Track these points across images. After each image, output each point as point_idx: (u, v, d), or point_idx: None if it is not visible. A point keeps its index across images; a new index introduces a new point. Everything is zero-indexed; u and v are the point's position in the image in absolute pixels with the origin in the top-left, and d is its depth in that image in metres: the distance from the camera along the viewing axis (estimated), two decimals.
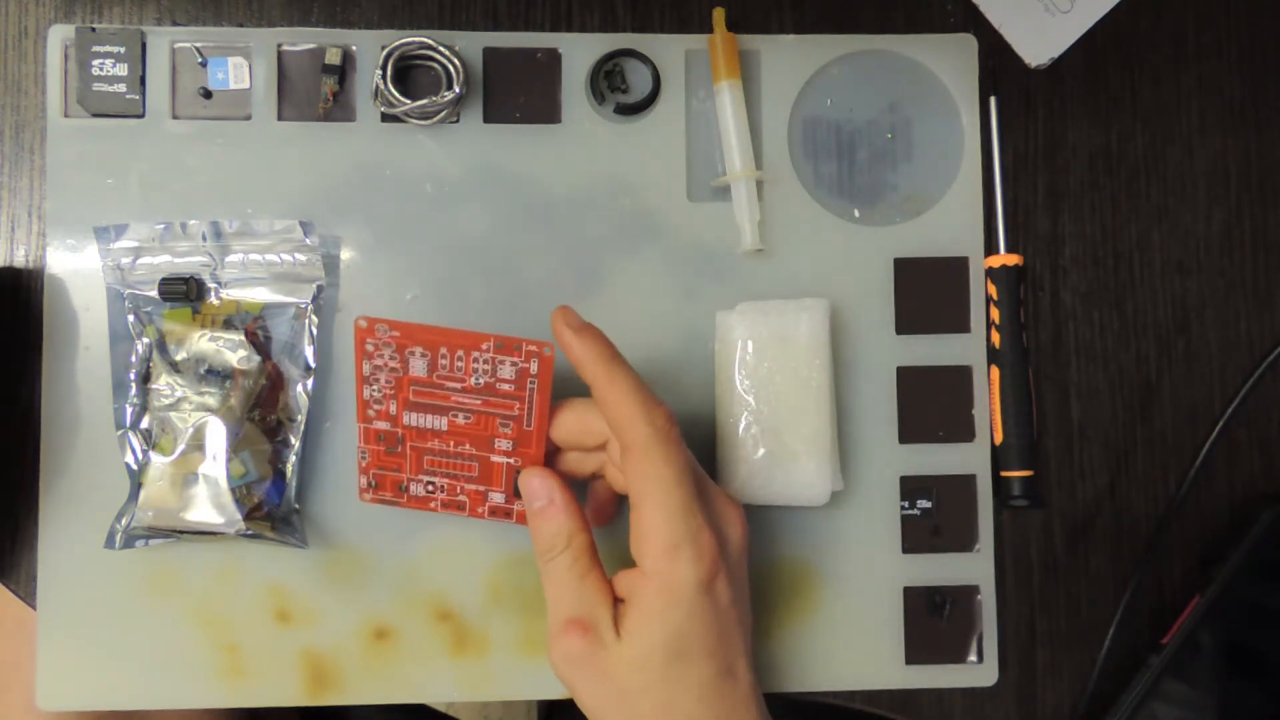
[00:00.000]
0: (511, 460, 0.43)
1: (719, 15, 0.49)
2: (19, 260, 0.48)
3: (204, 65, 0.48)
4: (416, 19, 0.49)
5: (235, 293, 0.46)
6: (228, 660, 0.47)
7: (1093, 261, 0.51)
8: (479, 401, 0.42)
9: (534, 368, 0.41)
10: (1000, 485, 0.49)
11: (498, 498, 0.45)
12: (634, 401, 0.40)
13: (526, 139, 0.49)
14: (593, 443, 0.43)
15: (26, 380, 0.47)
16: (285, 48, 0.48)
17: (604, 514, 0.47)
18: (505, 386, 0.41)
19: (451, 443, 0.43)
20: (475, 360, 0.41)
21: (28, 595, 0.47)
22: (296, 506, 0.47)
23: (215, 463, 0.45)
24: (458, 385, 0.41)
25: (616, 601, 0.41)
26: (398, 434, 0.43)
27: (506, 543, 0.48)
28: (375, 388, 0.42)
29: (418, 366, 0.41)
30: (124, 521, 0.45)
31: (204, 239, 0.46)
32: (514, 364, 0.41)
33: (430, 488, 0.45)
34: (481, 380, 0.41)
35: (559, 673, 0.41)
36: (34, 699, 0.46)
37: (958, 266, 0.50)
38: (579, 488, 0.45)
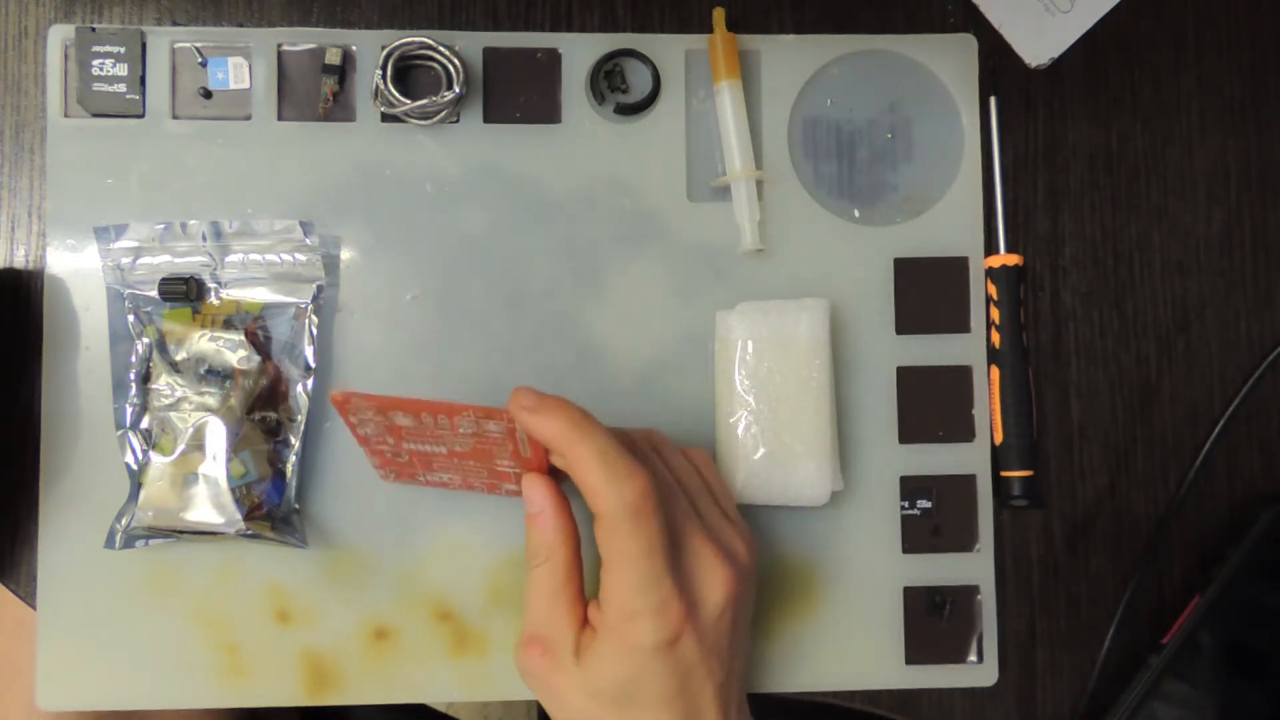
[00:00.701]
0: (514, 469, 0.44)
1: (719, 15, 0.49)
2: (19, 260, 0.48)
3: (204, 65, 0.48)
4: (416, 19, 0.49)
5: (235, 293, 0.46)
6: (228, 660, 0.47)
7: (1093, 261, 0.51)
8: (472, 440, 0.42)
9: (520, 429, 0.40)
10: (1000, 485, 0.49)
11: (509, 486, 0.45)
12: (600, 474, 0.39)
13: (526, 139, 0.49)
14: None
15: (26, 380, 0.47)
16: (285, 48, 0.48)
17: None
18: (495, 435, 0.41)
19: (455, 460, 0.44)
20: (460, 423, 0.41)
21: (28, 595, 0.47)
22: (296, 506, 0.47)
23: (215, 463, 0.45)
24: (448, 432, 0.41)
25: (585, 625, 0.42)
26: (401, 454, 0.44)
27: (506, 543, 0.48)
28: (370, 429, 0.42)
29: (404, 421, 0.41)
30: (124, 521, 0.45)
31: (204, 239, 0.46)
32: (497, 424, 0.40)
33: (446, 478, 0.46)
34: (470, 431, 0.41)
35: (522, 679, 0.43)
36: (34, 699, 0.46)
37: (958, 266, 0.50)
38: None
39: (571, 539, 0.42)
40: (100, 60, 0.47)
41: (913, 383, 0.49)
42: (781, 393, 0.47)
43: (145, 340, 0.46)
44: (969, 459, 0.49)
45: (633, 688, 0.40)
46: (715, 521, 0.43)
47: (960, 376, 0.49)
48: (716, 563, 0.41)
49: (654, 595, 0.40)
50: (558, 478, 0.43)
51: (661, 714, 0.40)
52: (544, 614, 0.42)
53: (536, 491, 0.43)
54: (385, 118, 0.48)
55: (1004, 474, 0.49)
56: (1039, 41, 0.51)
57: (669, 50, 0.49)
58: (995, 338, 0.49)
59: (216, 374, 0.46)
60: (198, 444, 0.45)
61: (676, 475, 0.43)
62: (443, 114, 0.47)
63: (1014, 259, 0.49)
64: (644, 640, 0.40)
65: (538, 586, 0.42)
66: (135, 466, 0.45)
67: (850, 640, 0.48)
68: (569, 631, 0.41)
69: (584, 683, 0.41)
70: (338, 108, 0.48)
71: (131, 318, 0.46)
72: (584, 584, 0.42)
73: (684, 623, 0.40)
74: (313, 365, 0.47)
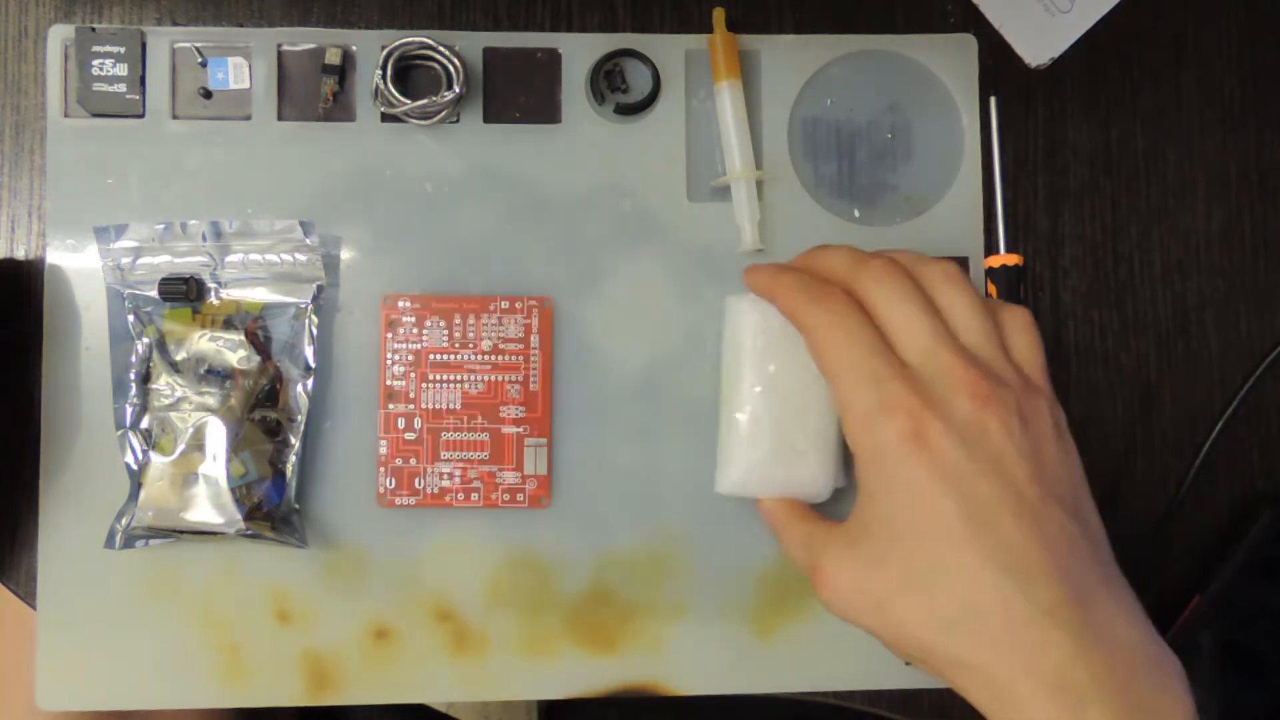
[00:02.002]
0: (520, 430, 0.46)
1: (719, 15, 0.49)
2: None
3: (204, 65, 0.48)
4: (416, 19, 0.49)
5: (235, 293, 0.46)
6: (228, 660, 0.47)
7: (1093, 261, 0.51)
8: (489, 367, 0.46)
9: (535, 323, 0.47)
10: None
11: (509, 478, 0.46)
12: (798, 292, 0.40)
13: (526, 139, 0.49)
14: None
15: (27, 380, 0.47)
16: (285, 48, 0.48)
17: None
18: (512, 346, 0.47)
19: (465, 418, 0.46)
20: (485, 324, 0.47)
21: (28, 595, 0.47)
22: (296, 506, 0.47)
23: (215, 463, 0.45)
24: (471, 352, 0.46)
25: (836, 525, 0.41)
26: (415, 415, 0.46)
27: (507, 543, 0.48)
28: (397, 366, 0.46)
29: (436, 338, 0.46)
30: (124, 521, 0.45)
31: (204, 239, 0.46)
32: (519, 321, 0.47)
33: (444, 477, 0.46)
34: (491, 343, 0.47)
35: (844, 617, 0.39)
36: (34, 699, 0.46)
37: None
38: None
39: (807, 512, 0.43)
40: (100, 60, 0.47)
41: None
42: (789, 387, 0.46)
43: (145, 340, 0.46)
44: None
45: (906, 515, 0.37)
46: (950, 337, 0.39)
47: None
48: (952, 366, 0.38)
49: (874, 386, 0.37)
50: None
51: (967, 553, 0.36)
52: (792, 544, 0.42)
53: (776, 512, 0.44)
54: (385, 118, 0.48)
55: None
56: (1039, 41, 0.51)
57: (669, 50, 0.49)
58: None
59: (216, 374, 0.46)
60: (198, 444, 0.45)
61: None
62: (443, 114, 0.47)
63: (1014, 259, 0.49)
64: (885, 436, 0.37)
65: (786, 537, 0.43)
66: (135, 466, 0.45)
67: (850, 640, 0.48)
68: (813, 526, 0.41)
69: (862, 555, 0.38)
70: (338, 108, 0.48)
71: (131, 318, 0.46)
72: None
73: (921, 410, 0.36)
74: (313, 365, 0.47)
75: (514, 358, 0.47)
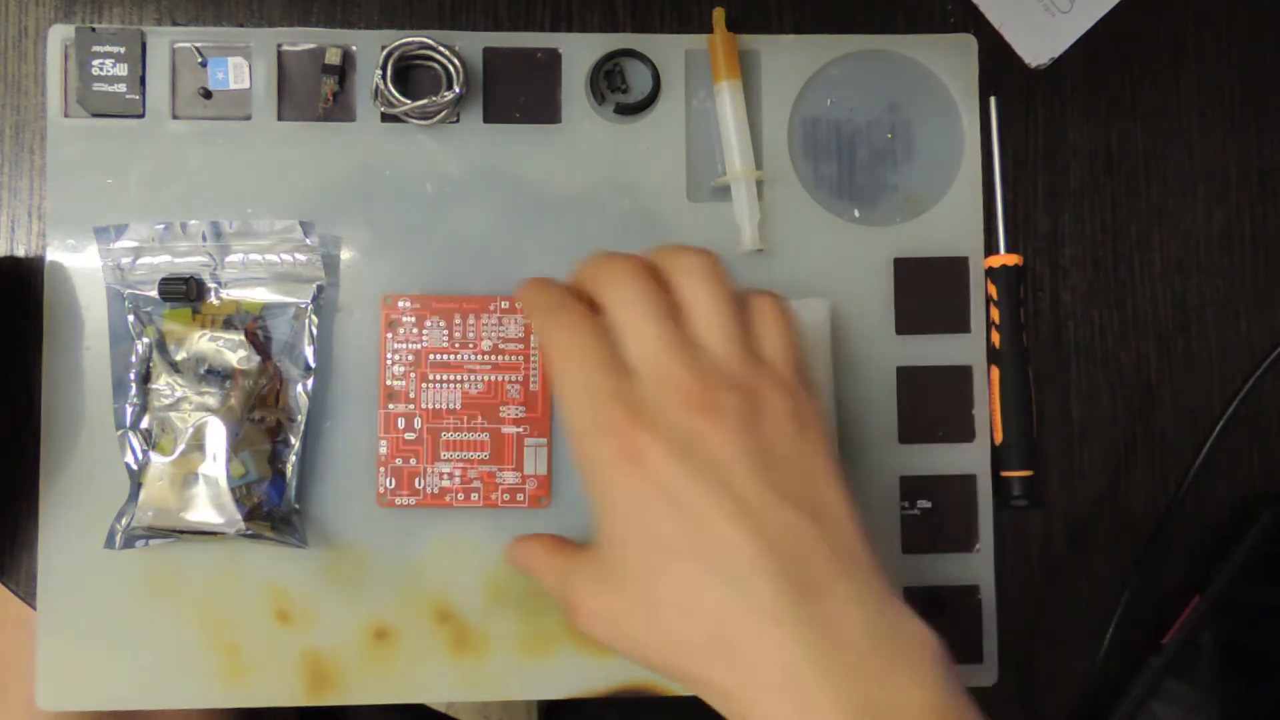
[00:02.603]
0: (520, 430, 0.46)
1: (719, 15, 0.49)
2: None
3: (204, 65, 0.48)
4: (416, 19, 0.49)
5: (235, 293, 0.46)
6: (228, 660, 0.47)
7: (1093, 261, 0.51)
8: (490, 367, 0.47)
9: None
10: (1000, 485, 0.49)
11: (509, 478, 0.46)
12: (526, 289, 0.40)
13: (526, 139, 0.49)
14: None
15: (27, 380, 0.47)
16: (285, 48, 0.48)
17: None
18: (512, 346, 0.47)
19: (465, 418, 0.46)
20: (485, 324, 0.47)
21: (28, 595, 0.47)
22: (296, 506, 0.47)
23: (215, 463, 0.45)
24: (471, 352, 0.47)
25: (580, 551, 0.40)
26: (414, 415, 0.46)
27: (507, 543, 0.47)
28: (397, 366, 0.47)
29: (436, 336, 0.47)
30: (124, 521, 0.45)
31: (204, 239, 0.46)
32: (519, 321, 0.47)
33: (445, 477, 0.47)
34: (491, 343, 0.47)
35: (595, 639, 0.39)
36: (34, 699, 0.46)
37: (958, 266, 0.50)
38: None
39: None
40: (100, 60, 0.47)
41: (913, 383, 0.49)
42: None
43: (145, 340, 0.46)
44: (969, 459, 0.49)
45: (631, 535, 0.36)
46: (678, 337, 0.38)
47: (960, 376, 0.49)
48: (673, 375, 0.36)
49: (591, 405, 0.37)
50: None
51: (687, 565, 0.35)
52: (556, 575, 0.40)
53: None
54: (385, 118, 0.48)
55: (1004, 474, 0.49)
56: (1039, 41, 0.51)
57: (669, 50, 0.49)
58: (995, 338, 0.49)
59: (216, 374, 0.46)
60: (198, 444, 0.45)
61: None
62: (443, 114, 0.47)
63: (1014, 259, 0.49)
64: (601, 456, 0.36)
65: (542, 576, 0.41)
66: (135, 466, 0.45)
67: None
68: (571, 558, 0.39)
69: (605, 581, 0.37)
70: (338, 108, 0.48)
71: (131, 318, 0.46)
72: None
73: (632, 427, 0.35)
74: (313, 365, 0.47)
75: (514, 358, 0.47)
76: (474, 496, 0.47)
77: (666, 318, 0.38)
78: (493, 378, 0.47)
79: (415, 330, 0.47)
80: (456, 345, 0.47)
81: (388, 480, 0.47)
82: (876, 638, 0.35)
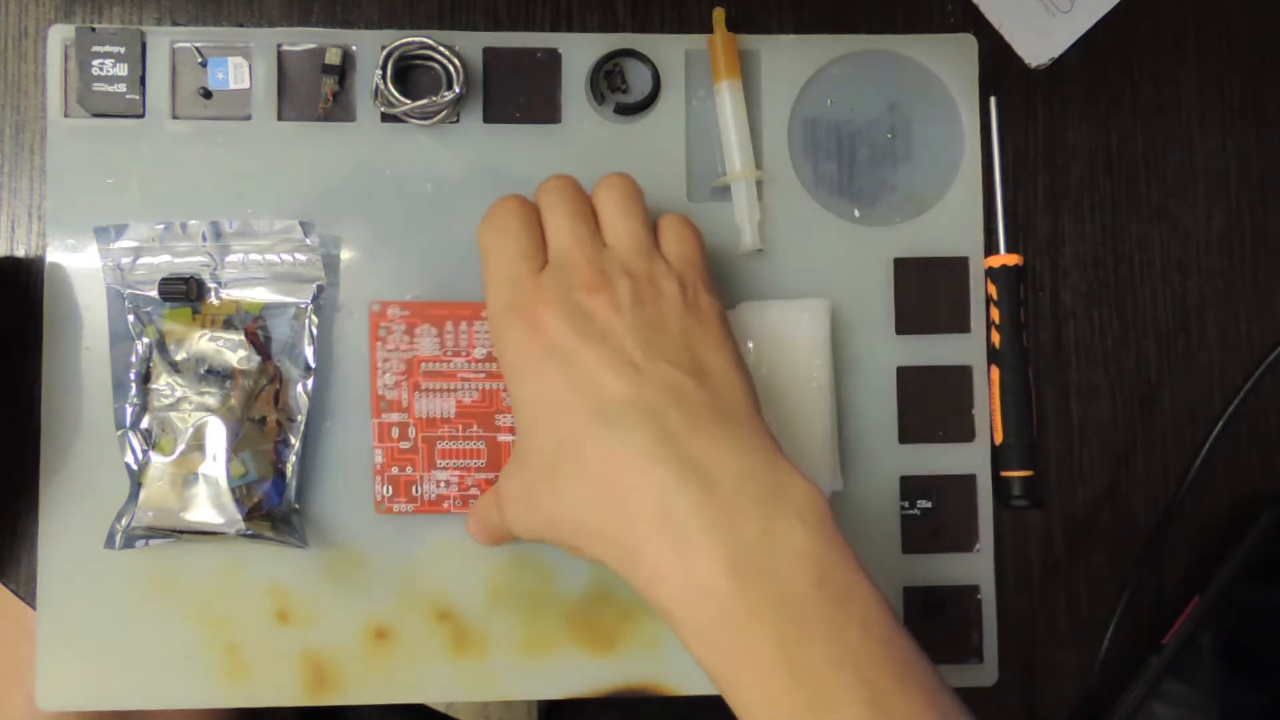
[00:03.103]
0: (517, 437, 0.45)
1: (719, 15, 0.49)
2: None
3: (204, 65, 0.48)
4: (416, 19, 0.49)
5: (235, 293, 0.46)
6: (228, 660, 0.47)
7: (1093, 261, 0.51)
8: (484, 376, 0.46)
9: None
10: (1000, 485, 0.49)
11: None
12: (485, 218, 0.43)
13: (526, 139, 0.49)
14: None
15: (26, 380, 0.47)
16: (285, 48, 0.48)
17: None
18: None
19: (460, 426, 0.46)
20: (478, 331, 0.46)
21: (28, 595, 0.47)
22: (296, 506, 0.47)
23: (215, 463, 0.45)
24: (464, 360, 0.46)
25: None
26: (409, 425, 0.46)
27: (506, 543, 0.48)
28: (388, 375, 0.46)
29: (428, 345, 0.46)
30: (124, 521, 0.45)
31: (204, 239, 0.46)
32: None
33: (441, 484, 0.46)
34: (484, 350, 0.46)
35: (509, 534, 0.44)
36: (34, 699, 0.46)
37: (958, 266, 0.50)
38: None
39: None
40: (100, 60, 0.47)
41: (913, 383, 0.49)
42: (781, 394, 0.46)
43: (145, 340, 0.46)
44: (969, 459, 0.49)
45: (530, 400, 0.40)
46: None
47: (960, 376, 0.49)
48: (575, 262, 0.41)
49: (508, 288, 0.41)
50: None
51: (574, 418, 0.39)
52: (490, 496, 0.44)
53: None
54: (385, 118, 0.48)
55: (1004, 474, 0.49)
56: (1039, 41, 0.51)
57: (669, 50, 0.49)
58: (995, 338, 0.49)
59: (216, 374, 0.46)
60: (198, 444, 0.45)
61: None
62: (443, 114, 0.47)
63: (1014, 259, 0.49)
64: (510, 331, 0.41)
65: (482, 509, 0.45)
66: (135, 466, 0.45)
67: None
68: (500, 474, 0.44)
69: (519, 463, 0.41)
70: (338, 108, 0.48)
71: (131, 318, 0.46)
72: None
73: (538, 304, 0.40)
74: (313, 365, 0.47)
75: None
76: (472, 503, 0.46)
77: (580, 220, 0.42)
78: (487, 386, 0.46)
79: (406, 339, 0.46)
80: (449, 353, 0.46)
81: (384, 488, 0.46)
82: (752, 483, 0.37)
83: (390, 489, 0.46)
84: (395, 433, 0.46)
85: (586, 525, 0.39)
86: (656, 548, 0.37)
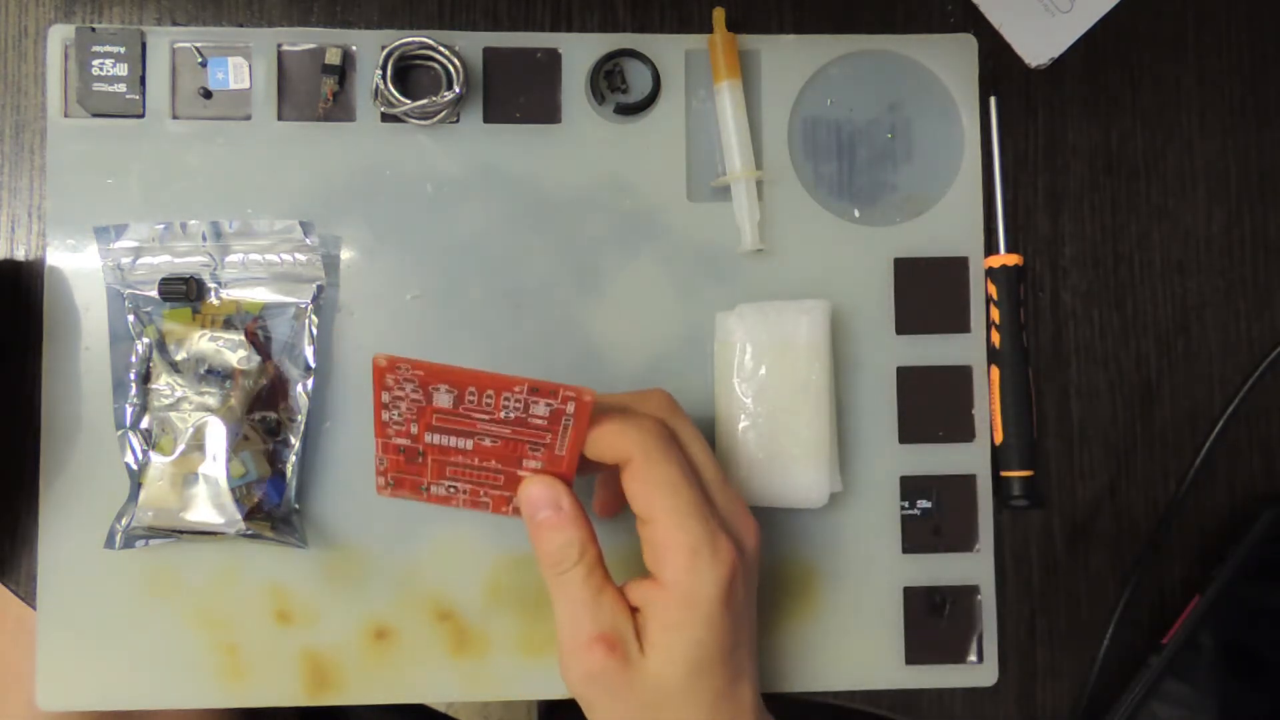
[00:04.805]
0: (536, 466, 0.41)
1: (719, 15, 0.49)
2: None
3: (204, 65, 0.48)
4: (416, 19, 0.49)
5: (235, 293, 0.46)
6: (228, 660, 0.47)
7: (1093, 261, 0.51)
8: (509, 430, 0.39)
9: (570, 409, 0.38)
10: (1000, 485, 0.49)
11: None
12: (619, 425, 0.39)
13: (526, 139, 0.49)
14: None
15: (27, 380, 0.47)
16: (285, 48, 0.48)
17: (610, 507, 0.47)
18: (538, 421, 0.39)
19: (476, 459, 0.41)
20: (506, 400, 0.38)
21: (28, 595, 0.47)
22: (296, 506, 0.47)
23: (215, 463, 0.45)
24: (486, 417, 0.39)
25: (635, 612, 0.40)
26: (418, 449, 0.41)
27: (506, 543, 0.48)
28: (395, 413, 0.39)
29: (443, 400, 0.38)
30: (124, 521, 0.45)
31: (204, 239, 0.46)
32: (549, 405, 0.38)
33: (452, 490, 0.43)
34: (513, 415, 0.39)
35: (579, 690, 0.40)
36: (34, 699, 0.46)
37: (958, 266, 0.50)
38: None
39: (594, 533, 0.41)
40: (100, 60, 0.47)
41: (913, 383, 0.49)
42: (780, 396, 0.46)
43: (145, 340, 0.46)
44: (969, 459, 0.49)
45: (699, 653, 0.39)
46: (722, 477, 0.43)
47: (960, 376, 0.49)
48: (741, 507, 0.42)
49: (706, 525, 0.39)
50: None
51: (721, 676, 0.40)
52: (595, 612, 0.40)
53: (543, 491, 0.40)
54: (385, 118, 0.48)
55: (1004, 474, 0.49)
56: (1039, 41, 0.51)
57: (669, 50, 0.49)
58: (995, 338, 0.49)
59: (216, 374, 0.46)
60: (198, 444, 0.45)
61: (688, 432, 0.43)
62: (443, 114, 0.47)
63: (1014, 259, 0.49)
64: (707, 588, 0.39)
65: (576, 590, 0.40)
66: (135, 466, 0.45)
67: (850, 640, 0.48)
68: (628, 623, 0.40)
69: (654, 670, 0.39)
70: (338, 108, 0.48)
71: (131, 318, 0.46)
72: None
73: (735, 562, 0.39)
74: (313, 365, 0.47)
75: (540, 430, 0.39)
76: (483, 507, 0.43)
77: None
78: (511, 436, 0.39)
79: (418, 396, 0.38)
80: (470, 408, 0.38)
81: (384, 480, 0.43)
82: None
83: (393, 483, 0.42)
84: (402, 451, 0.40)
85: None
86: None
